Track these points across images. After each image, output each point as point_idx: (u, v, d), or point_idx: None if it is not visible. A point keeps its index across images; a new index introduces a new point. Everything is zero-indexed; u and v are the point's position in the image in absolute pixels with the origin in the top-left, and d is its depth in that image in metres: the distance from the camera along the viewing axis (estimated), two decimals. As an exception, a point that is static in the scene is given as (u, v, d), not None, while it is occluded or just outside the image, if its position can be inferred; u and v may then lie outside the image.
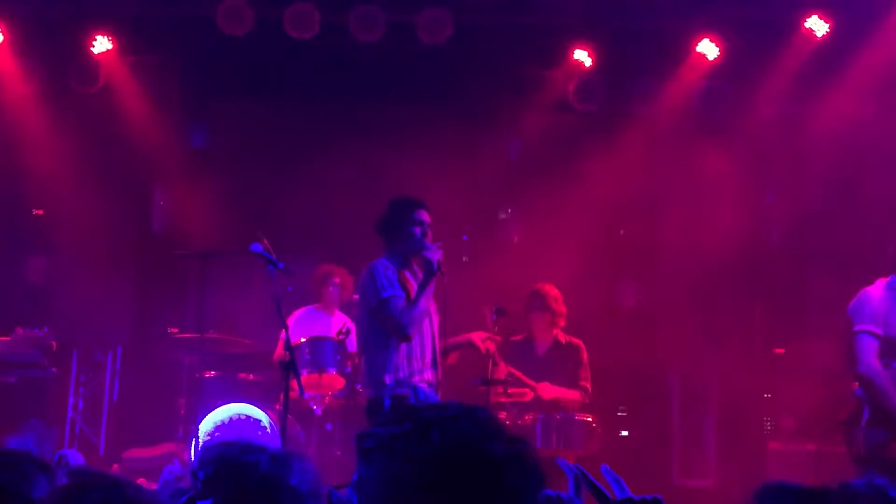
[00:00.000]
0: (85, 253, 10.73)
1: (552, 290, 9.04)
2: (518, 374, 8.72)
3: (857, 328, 6.60)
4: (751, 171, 10.99)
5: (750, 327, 11.14)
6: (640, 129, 10.87)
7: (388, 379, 7.13)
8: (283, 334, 7.89)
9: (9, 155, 11.15)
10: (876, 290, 6.68)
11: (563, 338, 9.03)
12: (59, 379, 10.24)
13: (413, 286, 7.23)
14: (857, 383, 6.69)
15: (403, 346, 7.18)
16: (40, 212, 11.20)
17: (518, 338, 9.11)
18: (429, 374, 7.23)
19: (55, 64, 10.81)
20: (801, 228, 11.00)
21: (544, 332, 9.05)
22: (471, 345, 7.70)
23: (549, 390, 8.71)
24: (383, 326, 7.17)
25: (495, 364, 8.28)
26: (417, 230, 7.28)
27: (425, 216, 7.33)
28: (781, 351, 10.70)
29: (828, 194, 10.61)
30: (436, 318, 7.39)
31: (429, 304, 7.28)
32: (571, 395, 8.80)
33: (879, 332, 6.56)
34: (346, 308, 10.02)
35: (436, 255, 7.16)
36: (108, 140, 11.06)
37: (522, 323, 9.14)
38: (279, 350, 9.22)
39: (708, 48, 10.65)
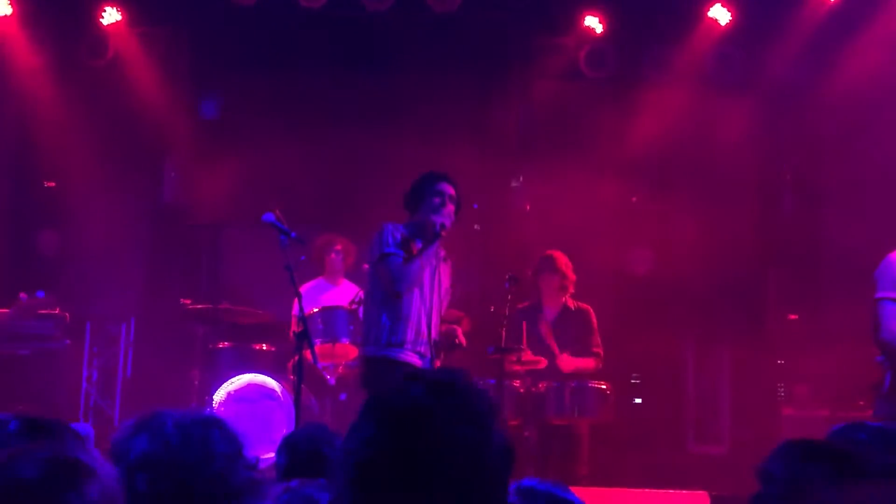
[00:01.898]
0: (97, 225, 10.74)
1: (562, 256, 9.01)
2: (550, 340, 8.70)
3: (878, 295, 6.53)
4: (764, 137, 10.94)
5: (763, 294, 11.11)
6: (652, 95, 10.81)
7: (382, 338, 7.19)
8: (295, 305, 7.90)
9: (19, 128, 11.16)
10: None
11: (572, 304, 9.01)
12: (73, 351, 10.27)
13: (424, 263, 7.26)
14: (879, 350, 6.64)
15: (401, 311, 7.20)
16: (52, 184, 11.25)
17: (525, 304, 9.05)
18: (422, 347, 7.24)
19: (64, 36, 10.80)
20: (816, 194, 10.96)
21: (553, 297, 9.01)
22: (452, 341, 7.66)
23: (569, 362, 8.69)
24: (381, 283, 7.24)
25: (509, 331, 8.27)
26: (436, 199, 7.28)
27: (447, 188, 7.34)
28: (795, 317, 10.68)
29: (842, 160, 10.55)
30: (441, 298, 7.40)
31: (435, 281, 7.29)
32: (586, 363, 8.79)
33: None
34: (355, 277, 10.00)
35: (440, 218, 7.16)
36: (119, 112, 11.04)
37: (532, 289, 9.11)
38: (294, 325, 9.22)
39: (720, 13, 10.59)
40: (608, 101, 11.04)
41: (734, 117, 10.68)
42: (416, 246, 7.28)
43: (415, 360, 7.19)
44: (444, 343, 7.47)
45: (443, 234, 7.18)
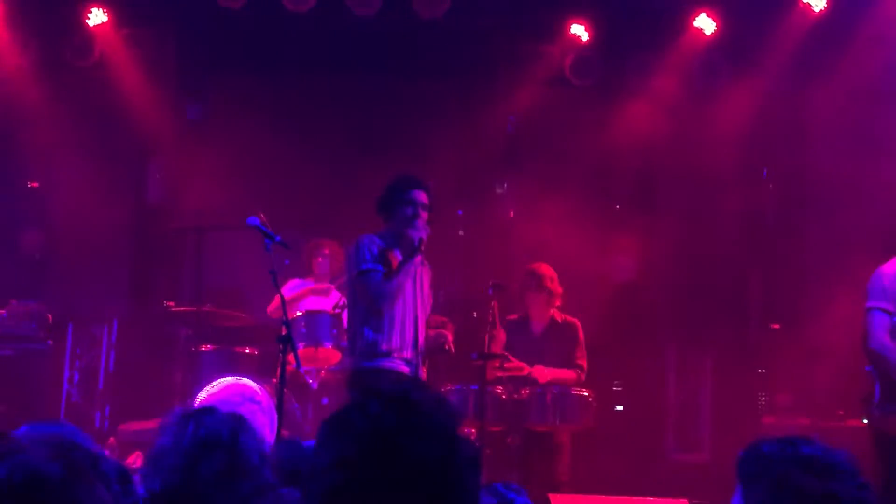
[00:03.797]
0: (81, 226, 10.71)
1: (548, 270, 8.99)
2: (512, 359, 8.68)
3: (869, 304, 6.57)
4: (748, 146, 10.98)
5: (746, 302, 11.15)
6: (637, 103, 10.85)
7: (367, 349, 7.22)
8: (277, 298, 7.86)
9: (4, 128, 11.12)
10: (890, 268, 6.64)
11: (559, 317, 9.00)
12: (55, 352, 10.24)
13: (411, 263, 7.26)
14: (868, 360, 6.68)
15: (384, 322, 7.23)
16: (36, 184, 11.21)
17: (514, 317, 9.08)
18: (408, 353, 7.26)
19: (50, 36, 10.78)
20: (799, 204, 11.01)
21: (540, 311, 9.01)
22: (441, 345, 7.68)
23: (544, 373, 8.68)
24: (362, 297, 7.26)
25: (492, 337, 8.28)
26: (409, 210, 7.27)
27: (419, 196, 7.31)
28: (777, 326, 10.73)
29: (826, 169, 10.60)
30: (424, 302, 7.41)
31: (416, 286, 7.31)
32: (566, 374, 8.78)
33: (892, 308, 6.53)
34: (340, 285, 10.01)
35: (419, 233, 7.18)
36: (104, 113, 11.02)
37: (518, 302, 9.12)
38: (274, 304, 9.17)
39: (705, 23, 10.63)
40: (593, 108, 11.08)
41: (718, 126, 10.71)
42: (396, 256, 7.29)
43: (402, 367, 7.22)
44: (432, 348, 7.48)
45: (422, 248, 7.20)
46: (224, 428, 3.18)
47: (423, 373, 7.44)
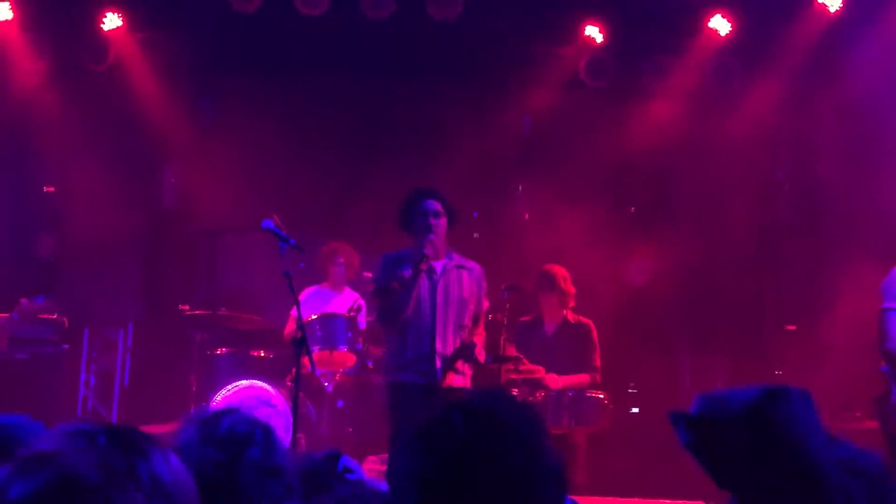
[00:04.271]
0: (96, 230, 10.73)
1: (560, 271, 8.99)
2: (526, 362, 8.67)
3: (885, 305, 6.53)
4: (763, 148, 10.95)
5: (761, 304, 11.12)
6: (652, 105, 10.84)
7: (389, 363, 7.47)
8: (294, 311, 7.92)
9: (19, 132, 11.16)
10: None
11: (572, 318, 8.99)
12: (71, 356, 10.27)
13: (420, 277, 7.38)
14: (884, 360, 6.64)
15: (400, 336, 7.43)
16: (51, 189, 11.24)
17: (527, 318, 9.08)
18: (424, 365, 7.33)
19: (65, 41, 10.80)
20: (814, 205, 10.97)
21: (554, 312, 9.01)
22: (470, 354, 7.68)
23: (556, 381, 8.66)
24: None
25: (507, 340, 8.29)
26: (422, 221, 7.43)
27: (431, 205, 7.44)
28: (793, 328, 10.69)
29: (840, 170, 10.56)
30: (453, 310, 7.43)
31: (441, 295, 7.43)
32: (580, 379, 8.75)
33: None
34: (356, 285, 10.02)
35: (425, 249, 7.33)
36: (118, 117, 11.04)
37: (532, 303, 9.12)
38: (290, 327, 9.23)
39: (720, 24, 10.60)
40: (607, 110, 11.06)
41: (733, 127, 10.69)
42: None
43: (416, 378, 7.33)
44: (461, 356, 7.47)
45: (422, 267, 7.31)
46: (257, 427, 3.21)
47: (451, 379, 7.43)
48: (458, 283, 7.49)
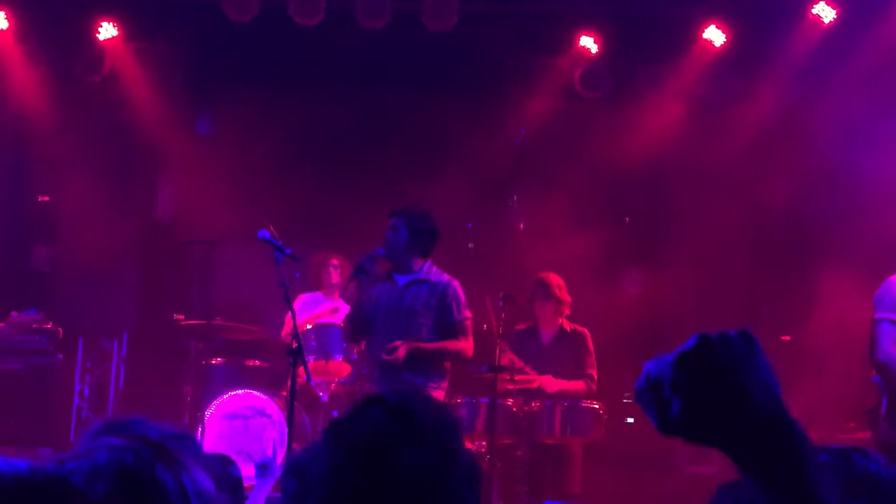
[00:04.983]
0: (90, 239, 10.72)
1: (556, 279, 9.00)
2: (520, 364, 8.68)
3: (877, 316, 6.53)
4: (758, 158, 10.96)
5: (756, 314, 11.12)
6: (647, 116, 10.85)
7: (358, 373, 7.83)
8: (288, 317, 7.92)
9: (14, 142, 11.16)
10: None
11: (568, 326, 9.00)
12: (65, 366, 10.26)
13: (378, 292, 7.59)
14: (875, 371, 6.64)
15: (366, 345, 7.78)
16: (46, 198, 11.24)
17: (523, 326, 9.09)
18: (375, 374, 7.50)
19: (60, 51, 10.82)
20: (808, 215, 10.98)
21: (549, 320, 9.01)
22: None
23: (552, 384, 8.67)
24: None
25: (502, 350, 8.30)
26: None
27: (390, 221, 7.58)
28: (787, 338, 10.68)
29: (833, 182, 10.57)
30: (402, 321, 7.47)
31: (393, 307, 7.49)
32: (576, 385, 8.76)
33: None
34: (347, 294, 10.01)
35: (362, 261, 7.52)
36: (114, 127, 11.05)
37: (527, 312, 9.13)
38: (287, 328, 9.22)
39: (714, 34, 10.63)
40: (602, 121, 11.08)
41: (727, 138, 10.71)
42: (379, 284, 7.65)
43: (372, 388, 7.45)
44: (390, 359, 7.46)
45: (358, 276, 7.52)
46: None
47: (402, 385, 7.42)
48: (414, 296, 7.50)
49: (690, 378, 1.44)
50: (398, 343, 7.32)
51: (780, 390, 1.49)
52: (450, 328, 7.51)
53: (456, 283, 7.60)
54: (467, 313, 7.61)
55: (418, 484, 1.89)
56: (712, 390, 1.43)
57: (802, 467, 1.44)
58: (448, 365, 7.71)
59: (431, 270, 7.59)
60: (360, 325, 7.60)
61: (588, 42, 10.80)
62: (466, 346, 7.58)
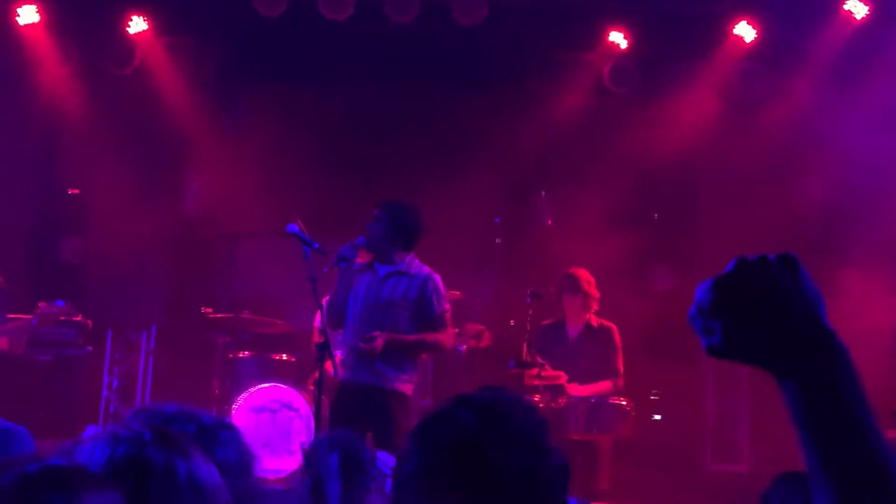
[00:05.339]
0: (120, 233, 10.78)
1: (585, 274, 8.99)
2: (548, 368, 8.65)
3: None
4: (788, 155, 10.90)
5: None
6: (676, 111, 10.80)
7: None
8: (318, 316, 7.96)
9: (45, 135, 11.23)
10: None
11: (595, 321, 8.98)
12: (94, 358, 10.32)
13: (359, 281, 7.58)
14: None
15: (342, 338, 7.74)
16: (76, 192, 11.30)
17: (550, 321, 9.07)
18: (352, 362, 7.52)
19: (90, 44, 10.86)
20: (839, 212, 10.92)
21: (576, 315, 9.00)
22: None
23: (579, 391, 8.64)
24: None
25: (530, 346, 8.30)
26: None
27: (374, 213, 7.60)
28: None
29: (865, 178, 10.51)
30: (373, 313, 7.49)
31: (369, 297, 7.49)
32: (602, 387, 8.74)
33: None
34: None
35: (342, 248, 7.51)
36: (143, 121, 11.10)
37: (555, 307, 9.11)
38: (316, 336, 9.23)
39: (745, 30, 10.58)
40: (632, 116, 11.04)
41: (758, 134, 10.66)
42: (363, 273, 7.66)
43: (347, 375, 7.51)
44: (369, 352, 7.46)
45: (338, 265, 7.49)
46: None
47: (363, 376, 7.41)
48: (393, 287, 7.50)
49: (729, 298, 1.47)
50: (377, 333, 7.33)
51: (823, 308, 1.51)
52: (429, 321, 7.50)
53: (436, 277, 7.61)
54: (446, 306, 7.60)
55: (508, 482, 1.89)
56: (750, 308, 1.45)
57: (842, 377, 1.48)
58: (423, 357, 7.81)
59: (413, 263, 7.59)
60: (338, 313, 7.58)
61: (617, 37, 10.77)
62: (445, 338, 7.61)
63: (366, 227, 7.53)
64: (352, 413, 7.26)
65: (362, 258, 7.65)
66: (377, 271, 7.55)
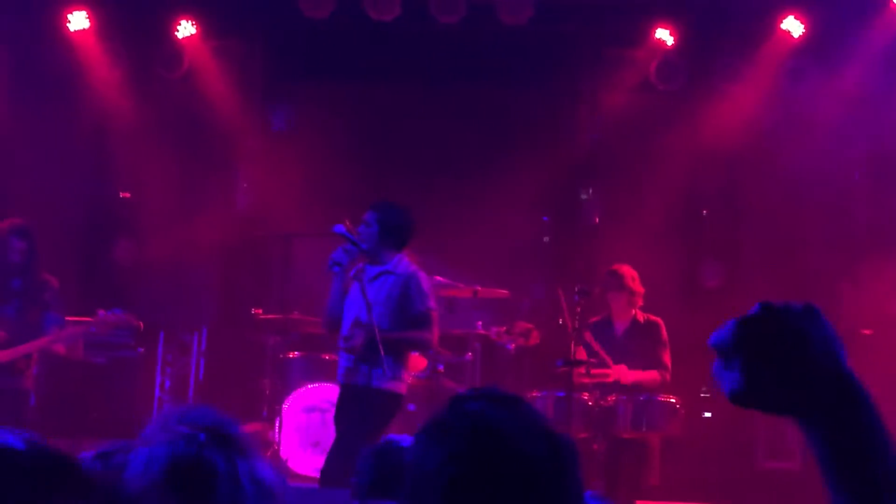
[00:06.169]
0: (171, 235, 10.88)
1: (629, 271, 8.97)
2: (599, 349, 8.66)
3: None
4: (837, 151, 10.82)
5: (837, 308, 10.97)
6: (723, 108, 10.75)
7: None
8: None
9: (96, 139, 11.35)
10: None
11: (641, 317, 8.97)
12: (147, 359, 10.42)
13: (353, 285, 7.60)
14: None
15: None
16: (127, 195, 11.42)
17: (597, 318, 9.07)
18: (343, 363, 7.59)
19: (140, 49, 10.98)
20: (890, 207, 10.82)
21: (622, 311, 8.99)
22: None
23: (626, 374, 8.64)
24: None
25: (577, 344, 8.30)
26: None
27: (364, 216, 7.61)
28: (869, 332, 10.54)
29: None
30: (360, 313, 7.49)
31: (362, 297, 7.43)
32: (650, 375, 8.73)
33: None
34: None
35: (335, 252, 7.55)
36: (192, 123, 11.20)
37: (601, 304, 9.10)
38: None
39: (793, 25, 10.50)
40: (678, 113, 10.99)
41: (806, 130, 10.58)
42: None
43: (341, 377, 7.61)
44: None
45: (330, 270, 7.56)
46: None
47: (351, 377, 7.48)
48: (379, 287, 7.52)
49: (751, 335, 1.49)
50: (356, 332, 7.38)
51: (844, 354, 1.54)
52: (412, 318, 7.48)
53: (421, 275, 7.60)
54: (431, 304, 7.56)
55: (529, 467, 1.92)
56: (772, 346, 1.48)
57: (862, 420, 1.49)
58: (410, 356, 7.81)
59: (402, 262, 7.59)
60: (333, 318, 7.62)
61: (664, 34, 10.73)
62: (429, 336, 7.57)
63: (357, 230, 7.54)
64: (346, 415, 7.44)
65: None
66: (367, 273, 7.57)
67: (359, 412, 7.32)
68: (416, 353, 9.10)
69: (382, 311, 7.46)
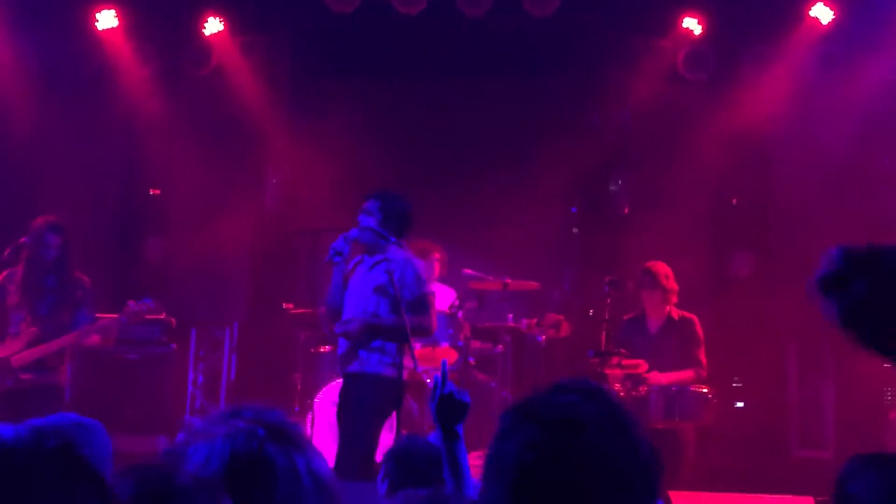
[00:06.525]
0: (201, 231, 10.93)
1: (663, 268, 8.95)
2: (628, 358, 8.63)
3: None
4: (868, 139, 10.74)
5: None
6: (752, 96, 10.69)
7: None
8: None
9: (126, 137, 11.41)
10: None
11: (675, 314, 8.94)
12: (179, 355, 10.49)
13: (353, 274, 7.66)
14: None
15: None
16: (157, 192, 11.47)
17: (630, 316, 9.05)
18: (339, 362, 7.65)
19: (168, 46, 11.03)
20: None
21: (656, 309, 8.96)
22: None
23: (660, 379, 8.60)
24: None
25: (609, 335, 8.29)
26: None
27: (363, 206, 7.63)
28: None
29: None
30: (357, 301, 7.54)
31: (356, 286, 7.53)
32: (684, 375, 8.70)
33: None
34: (449, 281, 10.03)
35: (336, 241, 7.57)
36: (221, 120, 11.23)
37: (634, 301, 9.09)
38: None
39: (822, 12, 10.43)
40: (707, 102, 10.94)
41: (836, 118, 10.51)
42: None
43: (340, 366, 7.69)
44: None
45: (330, 258, 7.51)
46: None
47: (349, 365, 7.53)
48: (376, 276, 7.53)
49: (866, 260, 1.54)
50: (352, 318, 7.42)
51: None
52: (408, 304, 7.48)
53: (416, 261, 7.63)
54: (426, 289, 7.58)
55: (610, 468, 1.93)
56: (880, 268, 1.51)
57: None
58: (406, 342, 7.70)
59: (399, 250, 7.59)
60: (334, 307, 7.63)
61: (691, 23, 10.69)
62: (425, 321, 7.54)
63: (357, 219, 7.56)
64: (344, 405, 7.52)
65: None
66: (367, 262, 7.61)
67: (354, 400, 7.37)
68: (447, 346, 9.13)
69: (377, 297, 7.49)
